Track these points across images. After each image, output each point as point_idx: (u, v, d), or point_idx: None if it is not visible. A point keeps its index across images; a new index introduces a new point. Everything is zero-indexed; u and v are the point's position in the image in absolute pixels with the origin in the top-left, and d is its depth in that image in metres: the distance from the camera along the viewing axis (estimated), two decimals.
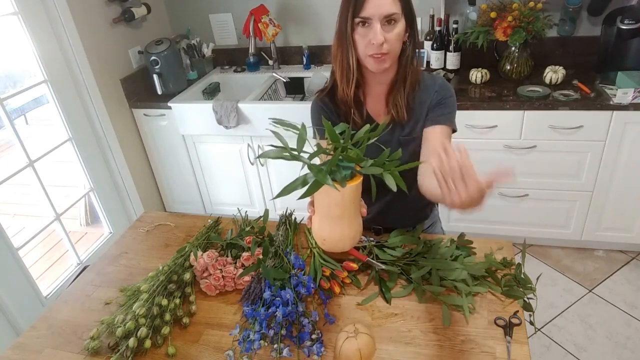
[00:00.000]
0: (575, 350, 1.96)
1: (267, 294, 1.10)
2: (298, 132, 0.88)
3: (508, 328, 1.02)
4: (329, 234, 0.98)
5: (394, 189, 0.79)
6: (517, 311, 1.06)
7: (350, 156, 0.84)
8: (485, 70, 2.34)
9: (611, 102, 2.00)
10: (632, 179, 2.16)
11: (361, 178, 0.88)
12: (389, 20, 1.04)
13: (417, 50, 1.16)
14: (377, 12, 1.03)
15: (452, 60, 2.47)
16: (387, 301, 1.12)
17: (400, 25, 1.06)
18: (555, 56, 2.46)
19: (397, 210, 1.10)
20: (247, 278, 1.19)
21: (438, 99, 1.20)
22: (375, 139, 0.87)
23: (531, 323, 1.08)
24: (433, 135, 1.17)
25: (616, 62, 2.22)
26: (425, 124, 1.22)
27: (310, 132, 1.34)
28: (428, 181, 1.06)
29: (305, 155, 0.87)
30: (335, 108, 1.25)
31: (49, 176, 2.33)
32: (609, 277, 2.31)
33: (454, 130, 1.22)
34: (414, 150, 1.26)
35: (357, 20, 1.06)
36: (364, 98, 1.24)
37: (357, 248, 1.23)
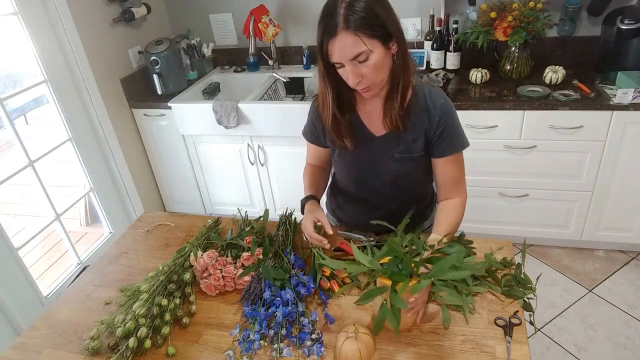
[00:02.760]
0: (575, 350, 1.96)
1: (267, 294, 1.10)
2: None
3: (508, 328, 1.02)
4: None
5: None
6: (517, 311, 1.06)
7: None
8: (485, 70, 2.34)
9: (611, 102, 2.00)
10: (632, 179, 2.16)
11: None
12: (358, 59, 1.02)
13: (407, 56, 1.11)
14: (342, 58, 1.02)
15: (452, 60, 2.47)
16: None
17: (375, 57, 1.02)
18: (555, 56, 2.46)
19: (401, 216, 1.10)
20: (247, 278, 1.19)
21: (443, 128, 1.18)
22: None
23: (531, 323, 1.08)
24: (446, 167, 1.23)
25: (616, 62, 2.22)
26: (433, 153, 1.22)
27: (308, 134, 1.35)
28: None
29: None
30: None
31: (49, 176, 2.32)
32: (609, 277, 2.31)
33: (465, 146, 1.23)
34: (410, 170, 1.25)
35: (331, 63, 1.07)
36: (360, 108, 1.23)
37: None
